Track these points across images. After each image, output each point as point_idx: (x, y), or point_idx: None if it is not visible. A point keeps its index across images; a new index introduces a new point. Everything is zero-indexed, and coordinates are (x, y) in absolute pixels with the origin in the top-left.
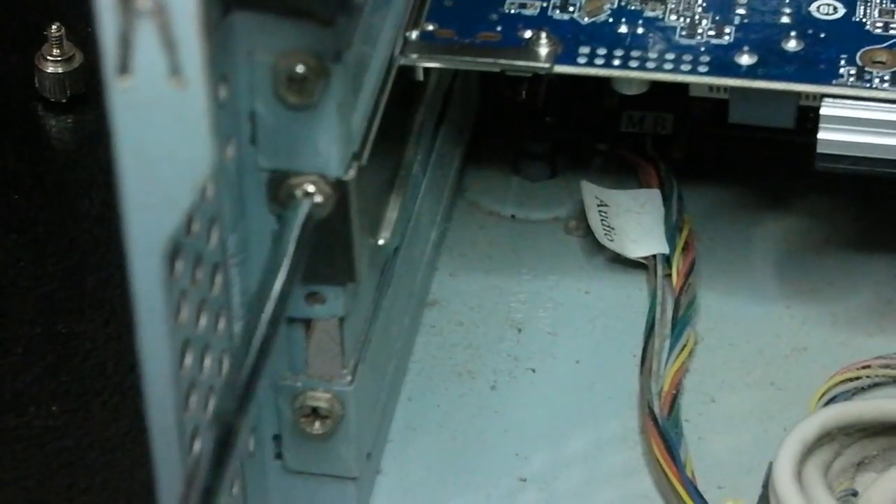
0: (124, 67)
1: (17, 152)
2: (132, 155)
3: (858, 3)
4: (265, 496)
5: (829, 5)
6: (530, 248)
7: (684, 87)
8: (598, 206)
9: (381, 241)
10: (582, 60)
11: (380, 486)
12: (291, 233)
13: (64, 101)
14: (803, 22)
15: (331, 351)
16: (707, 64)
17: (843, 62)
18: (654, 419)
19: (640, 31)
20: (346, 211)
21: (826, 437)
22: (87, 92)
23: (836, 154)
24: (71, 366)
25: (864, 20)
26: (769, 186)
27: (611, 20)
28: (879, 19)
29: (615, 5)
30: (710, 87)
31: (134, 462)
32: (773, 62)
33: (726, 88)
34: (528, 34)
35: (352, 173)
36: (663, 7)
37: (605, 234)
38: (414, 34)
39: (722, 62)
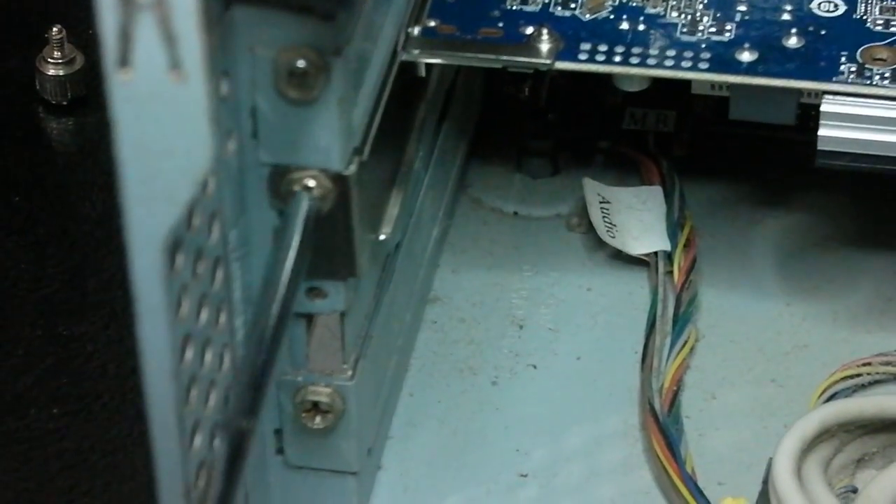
0: (124, 61)
1: (18, 155)
2: (132, 148)
3: (859, 0)
4: (266, 491)
5: (829, 2)
6: (532, 244)
7: (686, 84)
8: (600, 202)
9: (382, 237)
10: (583, 57)
11: (380, 481)
12: (295, 229)
13: (65, 103)
14: (804, 19)
15: (332, 346)
16: (708, 61)
17: (843, 59)
18: (655, 415)
19: (641, 27)
20: (347, 206)
21: (826, 434)
22: (87, 94)
23: (836, 151)
24: (72, 368)
25: (864, 17)
26: (770, 183)
27: (612, 17)
28: (880, 16)
29: (616, 2)
30: (712, 85)
31: (135, 464)
32: (773, 59)
33: (727, 85)
34: (529, 30)
35: (353, 168)
36: (664, 4)
37: (607, 230)
38: (416, 30)
39: (723, 59)
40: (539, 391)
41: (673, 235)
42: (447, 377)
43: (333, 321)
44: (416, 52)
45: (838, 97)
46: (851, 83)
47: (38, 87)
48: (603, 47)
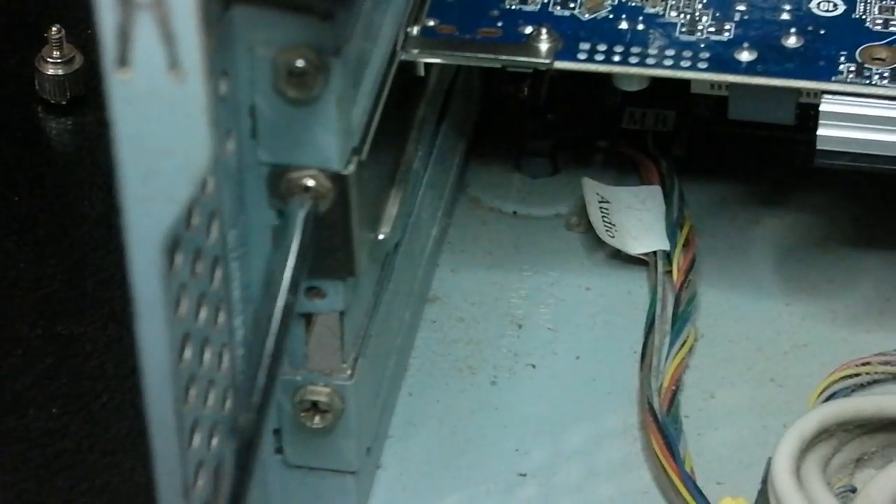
0: (123, 60)
1: (17, 154)
2: (131, 148)
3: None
4: (265, 490)
5: (829, 2)
6: (531, 244)
7: (686, 84)
8: (600, 202)
9: (381, 236)
10: (582, 56)
11: (379, 480)
12: (294, 229)
13: (64, 103)
14: (803, 18)
15: (331, 345)
16: (707, 60)
17: (842, 59)
18: (654, 415)
19: (640, 27)
20: (346, 205)
21: (825, 434)
22: (87, 94)
23: (835, 150)
24: (71, 368)
25: (863, 17)
26: (769, 183)
27: (611, 16)
28: (879, 16)
29: (616, 2)
30: (711, 84)
31: (134, 464)
32: (772, 59)
33: (726, 85)
34: (528, 30)
35: (352, 168)
36: (664, 3)
37: (606, 230)
38: (415, 29)
39: (722, 59)
40: (538, 391)
41: (672, 235)
42: (446, 377)
43: (332, 321)
44: (416, 51)
45: (837, 97)
46: (850, 83)
47: (37, 87)
48: (602, 47)
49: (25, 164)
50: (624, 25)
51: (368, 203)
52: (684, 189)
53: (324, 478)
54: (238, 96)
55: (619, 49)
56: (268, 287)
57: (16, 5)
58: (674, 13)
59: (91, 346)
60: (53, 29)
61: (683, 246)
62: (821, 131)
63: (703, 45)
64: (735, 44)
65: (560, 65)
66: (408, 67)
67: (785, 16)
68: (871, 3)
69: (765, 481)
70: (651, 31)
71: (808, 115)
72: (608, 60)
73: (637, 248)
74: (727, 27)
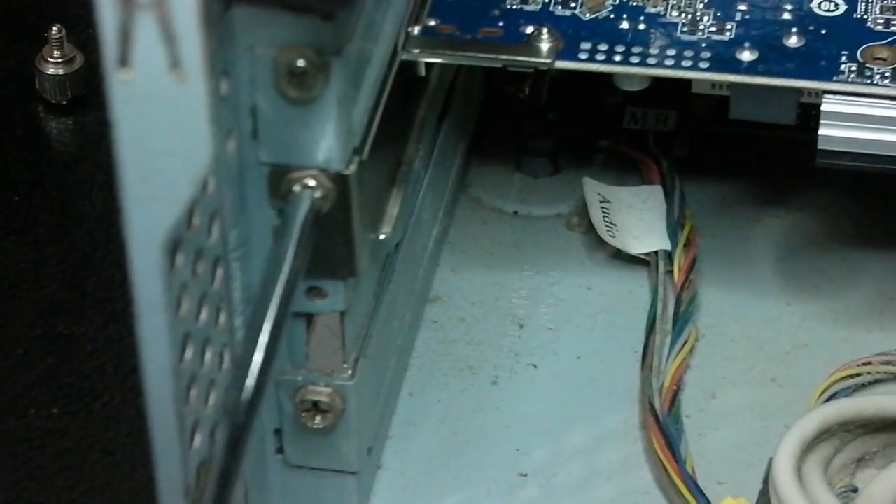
0: (124, 60)
1: (18, 154)
2: (132, 148)
3: None
4: (266, 490)
5: (830, 1)
6: (532, 244)
7: (687, 83)
8: (601, 202)
9: (382, 236)
10: (583, 56)
11: (380, 480)
12: (294, 228)
13: (64, 102)
14: (804, 18)
15: (332, 345)
16: (708, 60)
17: (844, 59)
18: (655, 415)
19: (641, 27)
20: (346, 205)
21: (826, 434)
22: (87, 94)
23: (836, 150)
24: (71, 367)
25: (865, 16)
26: (771, 183)
27: (612, 16)
28: (881, 16)
29: (617, 1)
30: (713, 84)
31: (135, 464)
32: (774, 59)
33: (728, 85)
34: (529, 30)
35: (352, 168)
36: (665, 3)
37: (607, 230)
38: (416, 29)
39: (723, 58)
40: (539, 391)
41: (673, 235)
42: (447, 376)
43: (333, 321)
44: (416, 51)
45: (839, 96)
46: (852, 82)
47: (37, 87)
48: (603, 47)
49: (26, 164)
50: (625, 25)
51: (369, 203)
52: (685, 189)
53: (324, 478)
54: (239, 96)
55: (620, 49)
56: (265, 285)
57: (16, 4)
58: (675, 13)
59: (91, 346)
60: (54, 28)
61: (684, 246)
62: (822, 131)
63: (704, 45)
64: (736, 43)
65: (561, 64)
66: (409, 67)
67: (786, 15)
68: (872, 2)
69: (766, 481)
70: (652, 30)
71: (810, 114)
72: (609, 60)
73: (638, 247)
74: (728, 27)
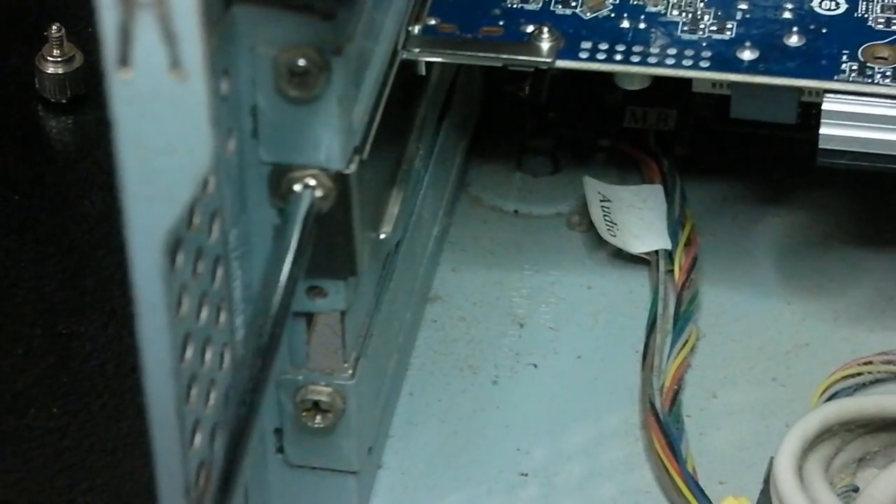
0: (124, 60)
1: (18, 153)
2: (132, 147)
3: None
4: (266, 490)
5: (831, 0)
6: (533, 243)
7: (687, 82)
8: (601, 201)
9: (382, 236)
10: (584, 55)
11: (381, 480)
12: (294, 227)
13: (64, 101)
14: (805, 17)
15: (332, 345)
16: (709, 59)
17: (844, 58)
18: (656, 414)
19: (642, 26)
20: (347, 205)
21: (827, 433)
22: (87, 92)
23: (837, 150)
24: (71, 367)
25: (866, 16)
26: (771, 182)
27: (613, 15)
28: (881, 15)
29: (617, 0)
30: (713, 83)
31: (135, 463)
32: (774, 58)
33: (728, 84)
34: (530, 29)
35: (353, 167)
36: (665, 2)
37: (608, 229)
38: (416, 28)
39: (724, 57)
40: (540, 390)
41: (674, 234)
42: (447, 376)
43: (334, 320)
44: (417, 50)
45: (839, 96)
46: (853, 82)
47: (37, 86)
48: (604, 46)
49: (25, 163)
50: (625, 24)
51: (370, 202)
52: (686, 188)
53: (325, 478)
54: (239, 96)
55: (620, 48)
56: (265, 284)
57: (16, 3)
58: (675, 12)
59: (91, 346)
60: (53, 27)
61: (685, 245)
62: (823, 130)
63: (704, 44)
64: (737, 43)
65: (561, 63)
66: (409, 66)
67: (787, 14)
68: (873, 1)
69: (767, 481)
70: (653, 29)
71: (810, 114)
72: (610, 59)
73: (639, 247)
74: (729, 26)
